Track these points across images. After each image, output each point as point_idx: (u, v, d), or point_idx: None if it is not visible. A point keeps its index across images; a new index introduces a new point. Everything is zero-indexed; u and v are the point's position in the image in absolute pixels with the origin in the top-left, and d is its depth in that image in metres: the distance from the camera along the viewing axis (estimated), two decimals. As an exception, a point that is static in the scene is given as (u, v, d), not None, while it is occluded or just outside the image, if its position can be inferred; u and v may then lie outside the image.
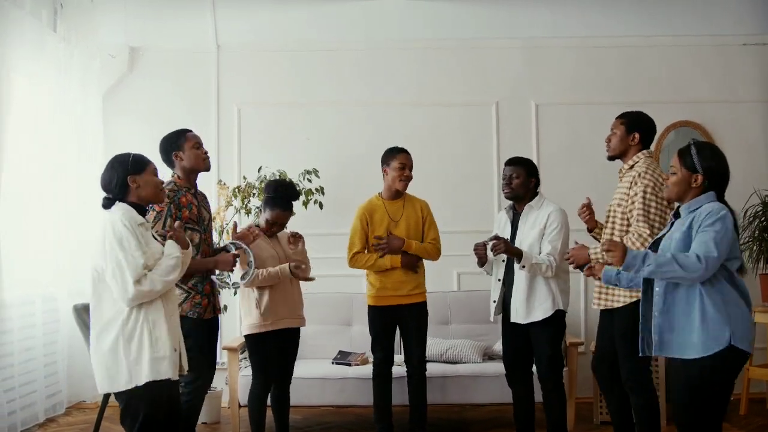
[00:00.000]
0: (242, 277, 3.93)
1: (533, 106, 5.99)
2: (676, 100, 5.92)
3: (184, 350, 3.22)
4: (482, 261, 4.24)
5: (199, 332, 3.68)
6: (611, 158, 3.85)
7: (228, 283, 3.95)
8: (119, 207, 3.07)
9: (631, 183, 3.64)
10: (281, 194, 4.22)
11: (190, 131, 3.89)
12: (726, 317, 2.90)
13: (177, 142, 3.81)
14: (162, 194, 3.26)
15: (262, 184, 5.14)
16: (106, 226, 3.00)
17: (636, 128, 3.75)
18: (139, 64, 6.01)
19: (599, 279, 3.41)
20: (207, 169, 3.92)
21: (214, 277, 3.83)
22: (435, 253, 4.49)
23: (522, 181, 4.11)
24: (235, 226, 4.11)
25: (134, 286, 2.90)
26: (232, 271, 3.84)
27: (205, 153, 3.89)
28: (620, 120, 3.81)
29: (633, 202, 3.61)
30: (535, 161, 5.81)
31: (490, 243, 4.01)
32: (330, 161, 5.86)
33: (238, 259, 3.82)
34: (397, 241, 4.36)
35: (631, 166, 3.74)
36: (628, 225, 3.66)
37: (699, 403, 2.95)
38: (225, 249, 3.86)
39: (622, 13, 5.95)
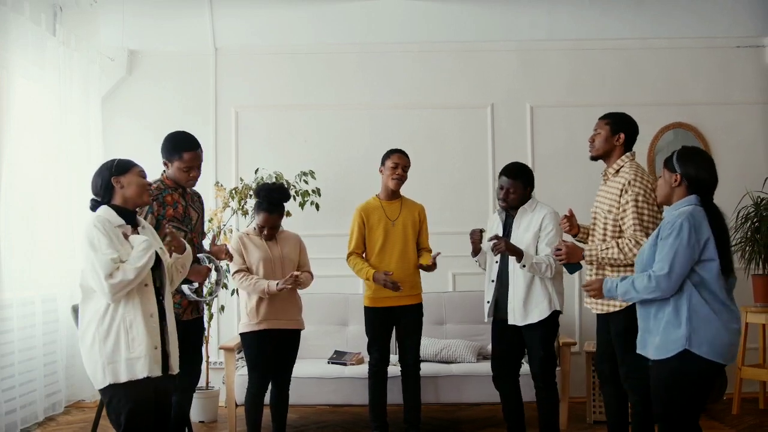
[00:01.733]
0: (210, 293, 3.88)
1: (528, 109, 6.04)
2: (671, 102, 5.97)
3: (176, 350, 3.27)
4: (476, 249, 4.27)
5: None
6: (594, 158, 3.89)
7: (192, 296, 3.80)
8: (101, 209, 3.16)
9: (621, 191, 3.67)
10: (264, 197, 4.24)
11: (190, 151, 3.82)
12: (685, 323, 2.98)
13: (173, 155, 3.83)
14: (147, 196, 3.29)
15: (259, 186, 5.19)
16: (83, 232, 3.09)
17: (621, 129, 3.78)
18: (138, 67, 6.06)
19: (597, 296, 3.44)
20: (189, 187, 3.94)
21: (184, 287, 3.73)
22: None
23: (519, 196, 4.13)
24: (214, 238, 4.13)
25: (106, 280, 2.98)
26: (202, 283, 3.85)
27: (194, 176, 3.87)
28: (604, 120, 3.84)
29: (625, 210, 3.65)
30: (530, 163, 5.92)
31: (491, 242, 4.03)
32: (327, 163, 5.91)
33: (211, 272, 3.84)
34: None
35: (617, 171, 3.77)
36: (620, 231, 3.70)
37: (666, 401, 3.06)
38: (198, 261, 3.83)
39: (617, 15, 5.99)
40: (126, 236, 3.14)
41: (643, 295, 3.07)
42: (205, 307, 5.02)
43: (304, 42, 6.09)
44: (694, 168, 3.10)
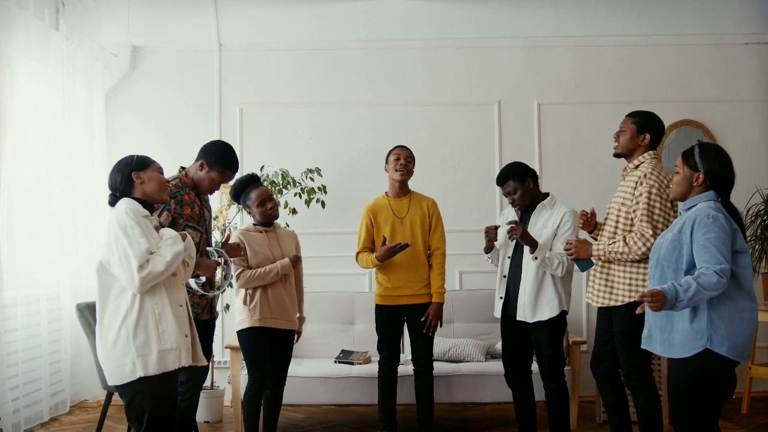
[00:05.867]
0: (218, 287, 3.84)
1: (535, 106, 6.00)
2: (678, 99, 5.94)
3: (197, 340, 3.22)
4: (490, 246, 4.25)
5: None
6: (617, 156, 3.83)
7: (200, 290, 3.78)
8: (123, 201, 3.12)
9: (637, 183, 3.63)
10: (247, 180, 4.19)
11: (232, 173, 3.89)
12: (706, 321, 2.90)
13: (217, 166, 3.78)
14: (166, 193, 3.28)
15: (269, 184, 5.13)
16: (112, 218, 3.05)
17: (647, 129, 3.73)
18: (142, 63, 6.01)
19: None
20: (205, 194, 3.93)
21: (191, 281, 3.72)
22: (444, 260, 4.47)
23: (522, 192, 4.11)
24: (228, 236, 4.08)
25: (138, 271, 2.94)
26: (213, 277, 3.80)
27: (215, 190, 3.91)
28: (631, 119, 3.78)
29: (638, 202, 3.61)
30: (537, 160, 5.90)
31: (508, 226, 4.01)
32: (332, 161, 5.87)
33: (219, 266, 3.79)
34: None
35: (637, 166, 3.73)
36: (632, 224, 3.66)
37: (686, 402, 2.98)
38: (207, 254, 3.80)
39: (623, 12, 5.96)
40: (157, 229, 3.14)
41: (711, 293, 2.85)
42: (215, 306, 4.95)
43: (307, 39, 6.05)
44: (719, 165, 3.03)
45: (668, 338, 3.02)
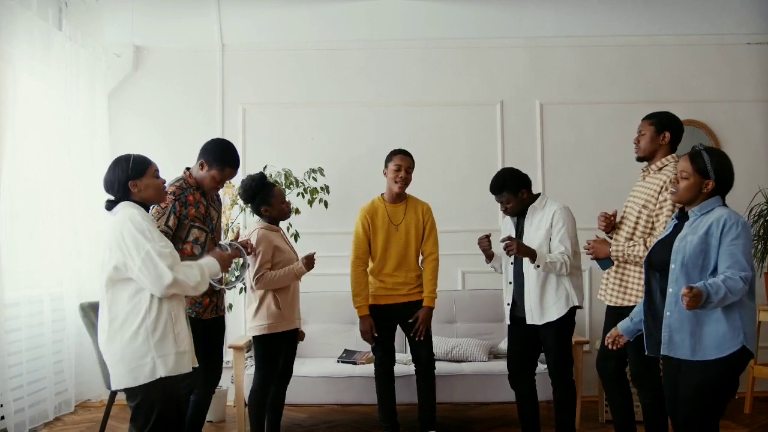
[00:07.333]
0: (236, 278, 3.84)
1: (538, 106, 5.99)
2: (680, 99, 5.92)
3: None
4: (488, 255, 4.26)
5: (194, 332, 3.56)
6: (640, 159, 3.82)
7: (220, 285, 3.78)
8: (129, 204, 3.09)
9: (661, 188, 3.63)
10: (262, 180, 4.18)
11: (233, 169, 3.85)
12: (738, 319, 2.94)
13: (215, 163, 3.74)
14: (164, 194, 3.25)
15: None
16: (125, 221, 2.99)
17: (666, 128, 3.73)
18: (144, 63, 6.01)
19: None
20: (209, 192, 3.88)
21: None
22: (437, 265, 4.47)
23: (515, 203, 4.12)
24: (238, 233, 4.08)
25: (171, 272, 2.92)
26: (227, 271, 3.78)
27: (220, 188, 3.89)
28: (648, 121, 3.79)
29: (661, 207, 3.62)
30: (539, 160, 5.90)
31: (502, 244, 4.01)
32: (334, 161, 5.86)
33: (235, 259, 3.80)
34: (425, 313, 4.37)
35: (660, 168, 3.72)
36: (652, 227, 3.66)
37: (708, 403, 2.98)
38: (220, 248, 3.78)
39: (626, 12, 5.95)
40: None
41: (734, 298, 2.89)
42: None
43: (308, 39, 6.04)
44: (725, 171, 3.07)
45: (699, 341, 2.99)
